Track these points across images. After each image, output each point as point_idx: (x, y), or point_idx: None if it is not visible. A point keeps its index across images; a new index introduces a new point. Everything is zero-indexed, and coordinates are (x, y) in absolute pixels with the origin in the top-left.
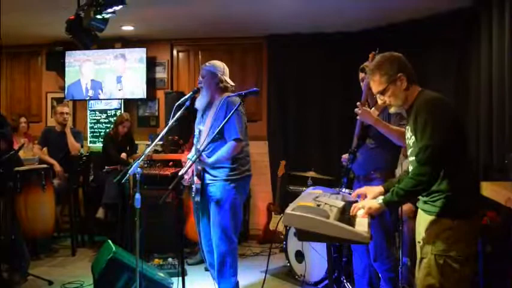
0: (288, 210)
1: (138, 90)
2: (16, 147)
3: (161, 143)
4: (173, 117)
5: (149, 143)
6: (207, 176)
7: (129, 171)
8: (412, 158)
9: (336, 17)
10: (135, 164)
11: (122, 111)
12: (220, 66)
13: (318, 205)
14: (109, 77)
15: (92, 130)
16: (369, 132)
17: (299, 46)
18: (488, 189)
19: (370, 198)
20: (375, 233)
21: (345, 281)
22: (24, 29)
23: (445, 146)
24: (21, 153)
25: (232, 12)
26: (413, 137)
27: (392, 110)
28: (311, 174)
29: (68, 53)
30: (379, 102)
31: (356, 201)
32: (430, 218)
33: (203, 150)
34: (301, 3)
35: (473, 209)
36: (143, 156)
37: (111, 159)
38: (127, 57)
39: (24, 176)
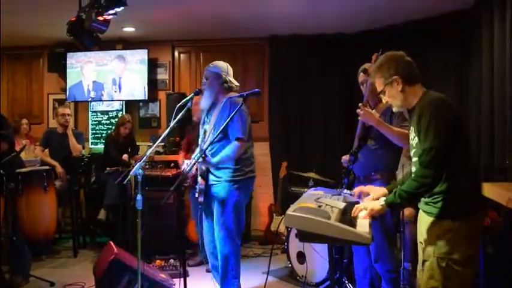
0: (289, 211)
1: (140, 92)
2: (17, 148)
3: (163, 144)
4: (174, 118)
5: (151, 144)
6: (210, 176)
7: (131, 173)
8: (415, 159)
9: (337, 18)
10: (137, 165)
11: (124, 113)
12: (224, 66)
13: (319, 206)
14: (110, 78)
15: (94, 131)
16: (370, 133)
17: (300, 47)
18: (490, 190)
19: (373, 198)
20: (376, 234)
21: (346, 282)
22: (26, 30)
23: (447, 148)
24: (22, 155)
25: (233, 14)
26: (416, 138)
27: (395, 109)
28: (312, 175)
29: (69, 54)
30: (383, 101)
31: (357, 202)
32: (432, 219)
33: (206, 149)
34: (302, 4)
35: (474, 210)
36: (145, 158)
37: (113, 160)
38: (128, 58)
39: (25, 177)
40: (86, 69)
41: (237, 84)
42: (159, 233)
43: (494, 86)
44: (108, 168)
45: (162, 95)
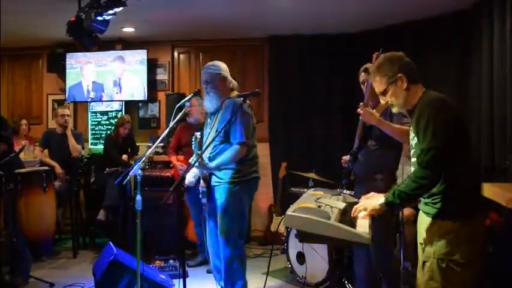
0: (289, 212)
1: (139, 92)
2: (17, 149)
3: (162, 144)
4: (174, 119)
5: (150, 144)
6: (213, 178)
7: (130, 173)
8: (414, 159)
9: (336, 18)
10: (136, 165)
11: (123, 113)
12: (223, 65)
13: (319, 206)
14: (110, 79)
15: (93, 132)
16: (370, 134)
17: (300, 47)
18: (490, 191)
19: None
20: (376, 234)
21: (346, 282)
22: (25, 31)
23: (446, 149)
24: (22, 156)
25: (233, 14)
26: (415, 138)
27: (395, 109)
28: (312, 175)
29: (68, 54)
30: (382, 102)
31: (357, 203)
32: (432, 220)
33: (202, 153)
34: (302, 4)
35: (475, 211)
36: (144, 158)
37: (112, 161)
38: (128, 59)
39: (25, 178)
40: (86, 70)
41: (236, 85)
42: (159, 234)
43: (494, 86)
44: (107, 169)
45: (161, 96)
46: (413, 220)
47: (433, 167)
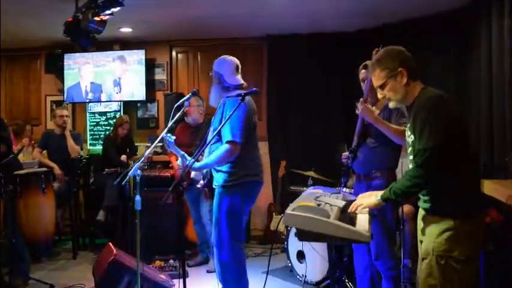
0: (288, 210)
1: (138, 92)
2: (16, 149)
3: (161, 144)
4: (172, 118)
5: (149, 144)
6: (214, 181)
7: (129, 173)
8: (411, 157)
9: (334, 17)
10: (135, 166)
11: (122, 114)
12: (221, 62)
13: (319, 205)
14: (108, 79)
15: (92, 133)
16: (369, 131)
17: (298, 46)
18: (489, 187)
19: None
20: (376, 231)
21: (346, 280)
22: (23, 32)
23: (443, 149)
24: (21, 157)
25: (231, 13)
26: (412, 136)
27: (392, 104)
28: (311, 174)
29: (66, 55)
30: (379, 96)
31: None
32: (431, 217)
33: (198, 154)
34: (300, 3)
35: (475, 208)
36: (143, 158)
37: (111, 161)
38: (126, 59)
39: (24, 179)
40: (84, 71)
41: (235, 83)
42: (159, 234)
43: (493, 83)
44: (106, 169)
45: (160, 96)
46: (413, 217)
47: (428, 168)
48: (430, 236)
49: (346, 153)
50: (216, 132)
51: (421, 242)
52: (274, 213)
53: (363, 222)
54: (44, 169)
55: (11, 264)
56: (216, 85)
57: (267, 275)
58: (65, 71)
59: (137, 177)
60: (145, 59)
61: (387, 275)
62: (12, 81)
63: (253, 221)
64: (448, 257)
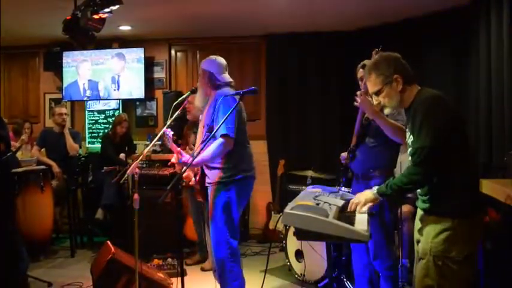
0: (287, 210)
1: (137, 90)
2: (14, 146)
3: (160, 143)
4: (171, 117)
5: (148, 143)
6: (206, 178)
7: (128, 172)
8: (410, 158)
9: (333, 16)
10: (134, 164)
11: (120, 112)
12: (212, 61)
13: (317, 204)
14: (107, 77)
15: (90, 131)
16: (368, 131)
17: (297, 45)
18: (488, 187)
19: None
20: (374, 231)
21: (344, 279)
22: (22, 29)
23: (440, 148)
24: (19, 155)
25: (230, 12)
26: (411, 137)
27: (387, 111)
28: (310, 173)
29: (65, 53)
30: (374, 102)
31: None
32: (429, 217)
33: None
34: (298, 2)
35: (473, 209)
36: (141, 157)
37: (110, 159)
38: (125, 57)
39: (22, 177)
40: (81, 68)
41: (227, 81)
42: (157, 232)
43: (492, 83)
44: (105, 168)
45: (159, 94)
46: (412, 217)
47: (425, 166)
48: (428, 236)
49: (344, 154)
50: (209, 128)
51: (418, 242)
52: (272, 212)
53: (361, 221)
54: (43, 167)
55: (9, 262)
56: (205, 84)
57: (265, 273)
58: (64, 69)
59: (135, 176)
60: (144, 57)
61: (385, 275)
62: (10, 79)
63: (252, 219)
64: (445, 258)
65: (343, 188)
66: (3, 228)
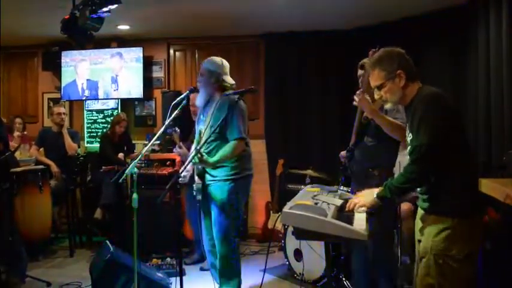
0: (286, 209)
1: (135, 90)
2: (13, 146)
3: (158, 142)
4: (170, 116)
5: (146, 142)
6: (207, 176)
7: (127, 171)
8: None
9: (331, 15)
10: (133, 164)
11: (119, 111)
12: (218, 62)
13: (316, 203)
14: (105, 76)
15: (89, 130)
16: (367, 130)
17: (296, 44)
18: (487, 186)
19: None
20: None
21: (343, 279)
22: (21, 29)
23: (438, 146)
24: (17, 154)
25: (228, 11)
26: (410, 135)
27: (388, 106)
28: (309, 172)
29: (64, 53)
30: (376, 97)
31: None
32: (429, 216)
33: (200, 149)
34: (297, 1)
35: (473, 207)
36: (140, 156)
37: (108, 159)
38: (124, 56)
39: (20, 177)
40: (80, 68)
41: (232, 82)
42: (156, 232)
43: (491, 82)
44: (103, 167)
45: (157, 93)
46: (412, 215)
47: (422, 164)
48: (429, 235)
49: (344, 152)
50: (214, 129)
51: (419, 241)
52: (271, 212)
53: (360, 220)
54: (41, 167)
55: (8, 262)
56: (210, 85)
57: (264, 272)
58: (62, 69)
59: (134, 175)
60: (143, 56)
61: (385, 274)
62: (9, 79)
63: (251, 219)
64: (446, 256)
65: (342, 187)
66: (2, 228)
